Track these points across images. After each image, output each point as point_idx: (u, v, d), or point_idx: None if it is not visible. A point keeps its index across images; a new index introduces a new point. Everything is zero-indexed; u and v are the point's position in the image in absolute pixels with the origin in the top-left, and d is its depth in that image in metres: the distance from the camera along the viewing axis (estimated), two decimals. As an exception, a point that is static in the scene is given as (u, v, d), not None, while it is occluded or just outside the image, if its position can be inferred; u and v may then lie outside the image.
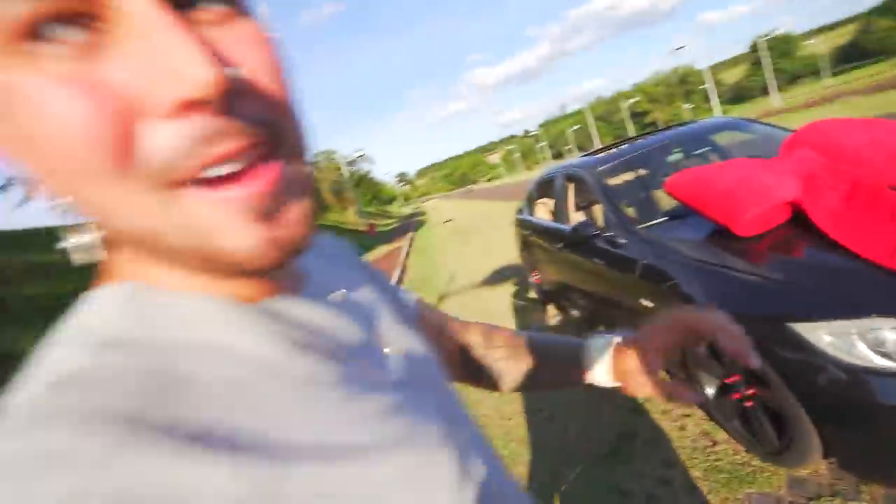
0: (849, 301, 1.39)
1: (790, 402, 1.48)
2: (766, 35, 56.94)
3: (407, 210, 78.58)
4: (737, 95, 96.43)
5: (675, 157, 2.97)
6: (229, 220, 0.23)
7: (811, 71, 72.95)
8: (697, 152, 2.97)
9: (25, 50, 0.19)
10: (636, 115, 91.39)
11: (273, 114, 0.24)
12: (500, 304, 5.05)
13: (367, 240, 22.13)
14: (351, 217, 32.17)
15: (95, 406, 0.20)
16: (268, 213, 0.24)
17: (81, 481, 0.18)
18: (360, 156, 35.51)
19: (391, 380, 0.34)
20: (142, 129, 0.21)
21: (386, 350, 0.36)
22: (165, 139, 0.21)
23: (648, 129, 4.68)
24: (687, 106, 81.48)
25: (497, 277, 6.35)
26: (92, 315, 0.25)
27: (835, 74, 67.34)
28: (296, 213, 0.26)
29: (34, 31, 0.19)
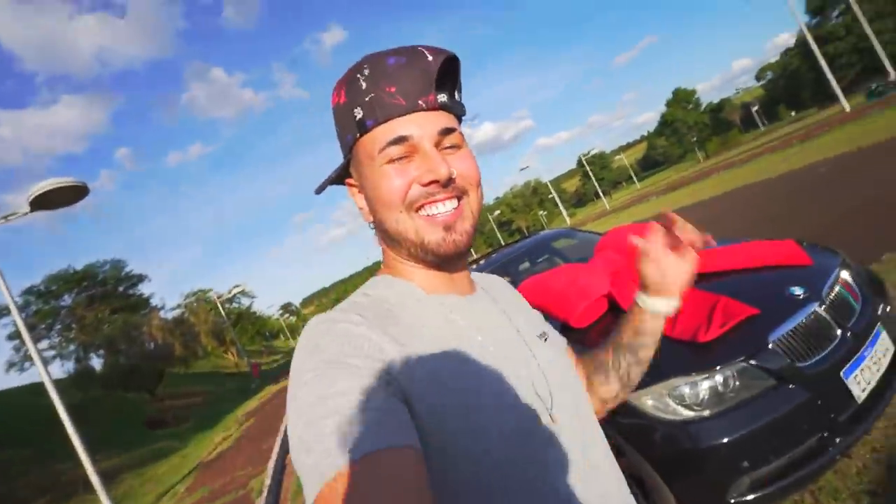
0: (654, 369, 1.76)
1: (642, 464, 1.73)
2: (586, 154, 71.30)
3: (295, 342, 73.41)
4: (579, 200, 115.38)
5: (524, 265, 3.50)
6: (432, 228, 0.56)
7: (625, 178, 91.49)
8: (540, 260, 3.55)
9: (385, 163, 0.55)
10: (502, 224, 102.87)
11: (465, 187, 0.57)
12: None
13: (251, 381, 19.98)
14: (231, 359, 29.08)
15: (357, 312, 0.53)
16: (448, 227, 0.56)
17: (351, 326, 0.50)
18: (239, 291, 33.45)
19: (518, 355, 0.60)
20: (414, 189, 0.55)
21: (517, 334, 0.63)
22: (417, 190, 0.55)
23: (515, 236, 5.42)
24: (542, 213, 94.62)
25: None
26: (369, 285, 0.62)
27: (640, 180, 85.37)
28: (461, 229, 0.57)
29: (389, 150, 0.54)
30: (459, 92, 0.59)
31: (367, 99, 0.53)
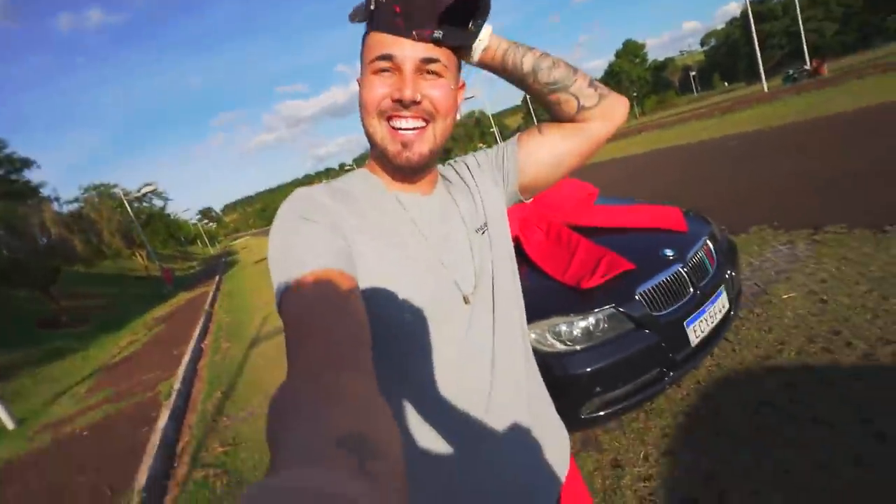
0: (541, 308, 2.02)
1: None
2: (533, 92, 70.77)
3: (214, 250, 70.06)
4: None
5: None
6: (392, 140, 0.64)
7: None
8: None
9: (373, 71, 0.63)
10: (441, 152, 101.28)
11: (431, 111, 0.64)
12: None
13: (163, 288, 19.04)
14: (141, 262, 27.21)
15: (327, 191, 0.66)
16: (405, 144, 0.64)
17: (318, 196, 0.64)
18: (151, 190, 30.57)
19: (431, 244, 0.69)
20: (386, 101, 0.63)
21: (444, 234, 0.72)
22: (387, 103, 0.63)
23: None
24: (481, 145, 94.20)
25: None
26: (348, 175, 0.73)
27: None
28: (417, 150, 0.65)
29: (375, 64, 0.62)
30: (482, 18, 0.65)
31: (375, 6, 0.61)
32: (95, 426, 4.66)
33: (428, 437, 0.66)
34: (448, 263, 0.68)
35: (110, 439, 4.13)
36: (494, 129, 58.40)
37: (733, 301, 2.34)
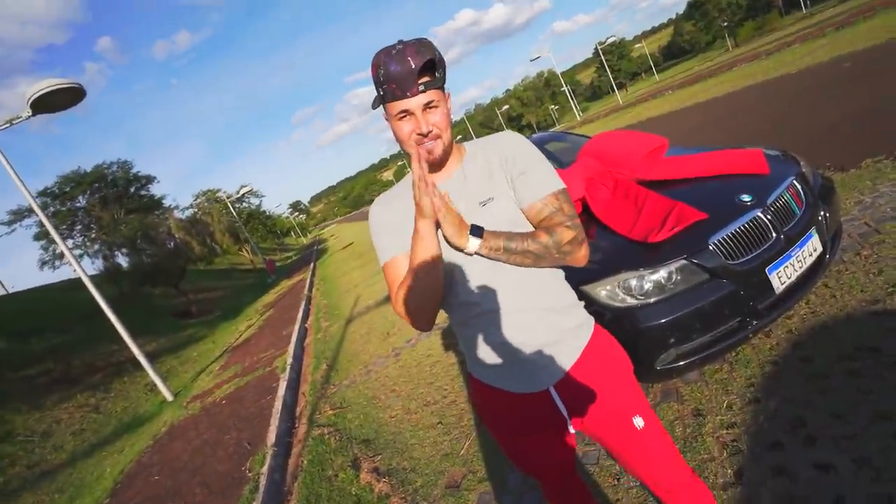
0: (610, 265, 2.06)
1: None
2: (604, 42, 65.43)
3: (306, 240, 75.71)
4: (594, 93, 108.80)
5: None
6: (420, 150, 1.02)
7: (645, 69, 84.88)
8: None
9: (398, 119, 1.04)
10: (512, 119, 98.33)
11: (439, 132, 1.04)
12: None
13: (267, 277, 21.21)
14: (247, 256, 30.40)
15: (384, 200, 1.19)
16: (429, 151, 1.04)
17: (378, 211, 1.17)
18: (248, 191, 33.70)
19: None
20: (413, 135, 1.04)
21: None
22: (415, 136, 1.03)
23: (525, 132, 5.48)
24: (553, 107, 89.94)
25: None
26: (405, 177, 1.18)
27: (662, 70, 79.22)
28: (435, 153, 1.05)
29: (398, 115, 1.03)
30: (440, 68, 1.02)
31: (383, 87, 1.00)
32: (231, 396, 5.50)
33: (478, 320, 1.08)
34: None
35: (244, 406, 4.88)
36: (566, 88, 55.34)
37: (828, 243, 2.17)
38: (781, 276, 1.98)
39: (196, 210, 26.44)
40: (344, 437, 3.33)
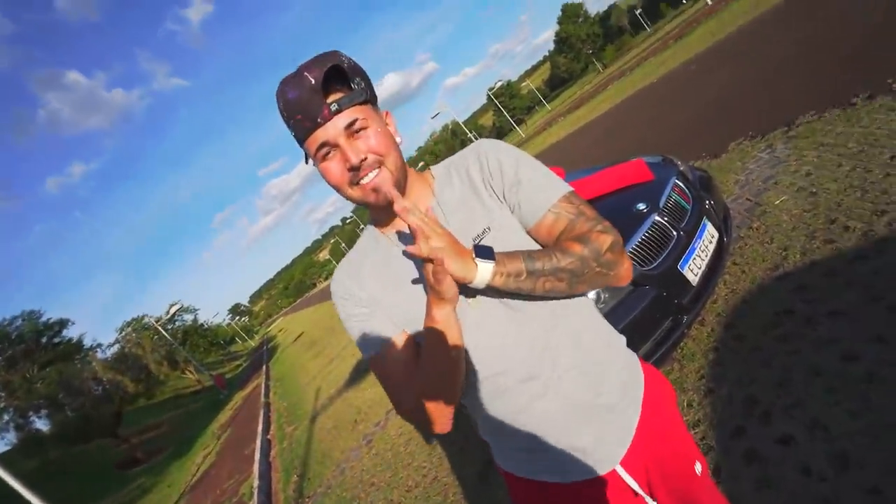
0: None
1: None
2: (493, 87, 71.28)
3: (254, 342, 71.49)
4: (498, 133, 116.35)
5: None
6: (366, 193, 0.78)
7: (536, 102, 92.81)
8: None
9: (321, 159, 0.77)
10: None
11: (377, 157, 0.77)
12: (368, 398, 5.24)
13: (219, 394, 19.54)
14: (192, 377, 28.01)
15: (343, 271, 0.89)
16: (375, 188, 0.77)
17: (339, 286, 0.88)
18: (178, 309, 31.54)
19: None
20: (345, 174, 0.77)
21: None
22: (347, 175, 0.77)
23: None
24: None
25: (355, 376, 6.51)
26: (360, 238, 0.93)
27: (550, 100, 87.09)
28: (384, 187, 0.76)
29: (320, 154, 0.77)
30: (355, 76, 0.76)
31: (290, 124, 0.77)
32: (196, 546, 4.84)
33: (491, 391, 0.81)
34: None
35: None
36: (472, 135, 58.81)
37: (722, 227, 2.38)
38: (693, 269, 2.12)
39: (123, 344, 24.25)
40: (330, 555, 3.00)
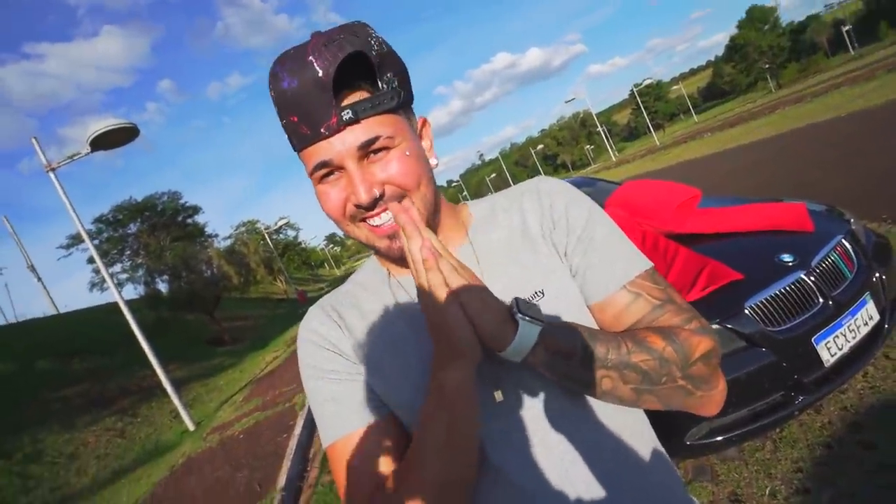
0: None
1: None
2: (640, 84, 65.95)
3: (339, 272, 77.19)
4: (630, 133, 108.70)
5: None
6: (377, 237, 0.57)
7: (683, 110, 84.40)
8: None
9: (318, 181, 0.55)
10: (547, 158, 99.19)
11: (400, 193, 0.55)
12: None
13: (298, 308, 21.57)
14: (280, 286, 31.18)
15: (329, 310, 0.66)
16: (392, 236, 0.56)
17: (319, 332, 0.63)
18: (285, 223, 34.90)
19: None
20: (349, 206, 0.55)
21: None
22: (351, 208, 0.55)
23: (560, 171, 5.42)
24: (589, 146, 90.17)
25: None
26: (359, 269, 0.73)
27: (701, 112, 78.53)
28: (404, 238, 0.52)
29: (318, 174, 0.54)
30: (386, 70, 0.54)
31: (283, 123, 0.55)
32: (249, 431, 5.46)
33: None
34: None
35: (260, 443, 4.81)
36: (601, 129, 55.55)
37: (886, 310, 1.95)
38: (831, 347, 1.77)
39: (235, 241, 27.60)
40: (353, 488, 3.18)
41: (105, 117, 6.55)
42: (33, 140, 6.46)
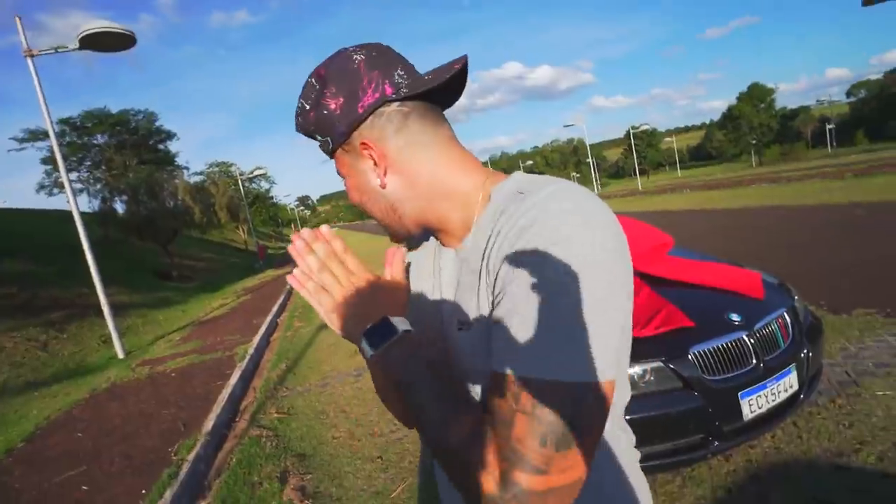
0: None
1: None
2: (637, 127, 67.85)
3: (305, 235, 75.37)
4: (617, 171, 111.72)
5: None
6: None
7: (670, 162, 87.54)
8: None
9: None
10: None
11: (359, 202, 0.64)
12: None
13: (255, 262, 21.03)
14: (241, 236, 30.29)
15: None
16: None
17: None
18: (261, 174, 33.93)
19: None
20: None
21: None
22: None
23: None
24: (575, 174, 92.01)
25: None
26: None
27: (686, 168, 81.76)
28: (391, 234, 0.66)
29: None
30: (314, 126, 0.60)
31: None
32: (182, 371, 5.34)
33: None
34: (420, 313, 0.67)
35: (191, 384, 4.72)
36: (591, 160, 56.88)
37: (806, 383, 2.16)
38: (752, 404, 1.95)
39: (206, 178, 26.60)
40: (280, 445, 3.20)
41: (95, 17, 6.20)
42: (17, 19, 6.05)
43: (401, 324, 0.55)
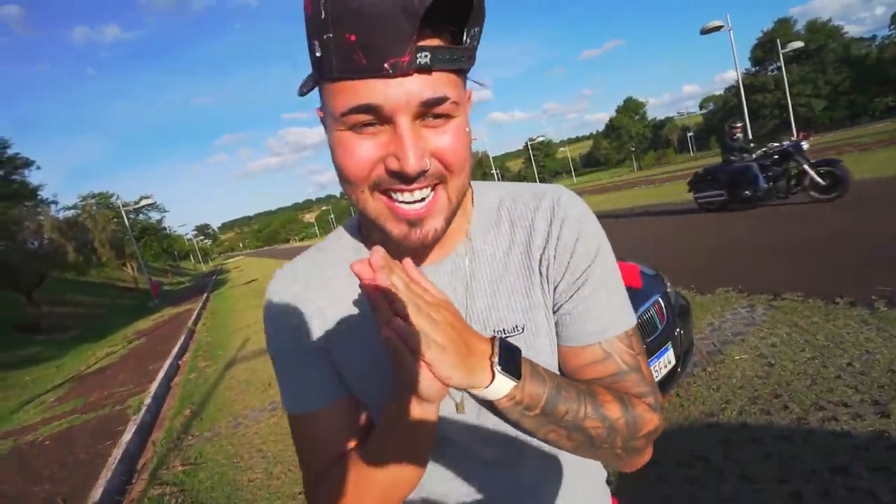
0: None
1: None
2: (534, 139, 73.04)
3: (206, 267, 69.68)
4: (520, 182, 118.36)
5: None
6: (395, 220, 0.48)
7: (566, 170, 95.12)
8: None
9: (350, 126, 0.44)
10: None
11: (443, 172, 0.47)
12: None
13: (150, 301, 18.88)
14: (130, 274, 27.06)
15: (297, 277, 0.61)
16: (413, 223, 0.47)
17: (286, 300, 0.59)
18: (149, 203, 30.75)
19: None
20: (379, 171, 0.45)
21: None
22: (381, 175, 0.46)
23: None
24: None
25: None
26: (332, 236, 0.65)
27: (579, 175, 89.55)
28: (430, 226, 0.48)
29: (352, 118, 0.43)
30: (474, 23, 0.43)
31: (324, 37, 0.41)
32: (59, 437, 4.61)
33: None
34: None
35: (72, 451, 4.10)
36: (495, 171, 59.80)
37: (681, 358, 2.48)
38: (640, 382, 2.20)
39: (80, 211, 23.41)
40: (188, 501, 2.91)
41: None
42: None
43: (505, 339, 0.47)
